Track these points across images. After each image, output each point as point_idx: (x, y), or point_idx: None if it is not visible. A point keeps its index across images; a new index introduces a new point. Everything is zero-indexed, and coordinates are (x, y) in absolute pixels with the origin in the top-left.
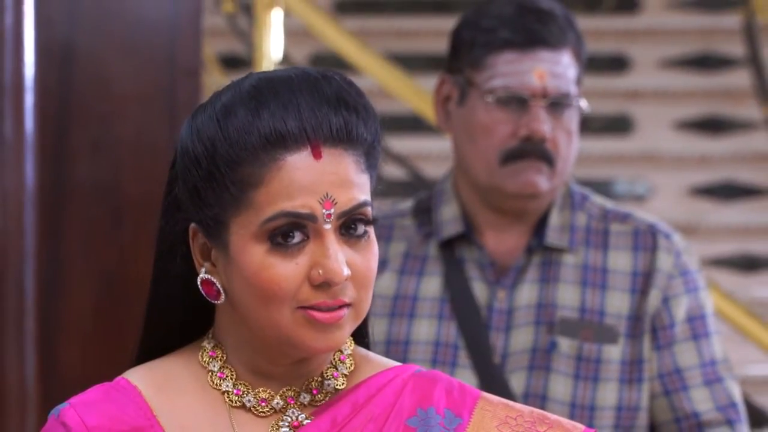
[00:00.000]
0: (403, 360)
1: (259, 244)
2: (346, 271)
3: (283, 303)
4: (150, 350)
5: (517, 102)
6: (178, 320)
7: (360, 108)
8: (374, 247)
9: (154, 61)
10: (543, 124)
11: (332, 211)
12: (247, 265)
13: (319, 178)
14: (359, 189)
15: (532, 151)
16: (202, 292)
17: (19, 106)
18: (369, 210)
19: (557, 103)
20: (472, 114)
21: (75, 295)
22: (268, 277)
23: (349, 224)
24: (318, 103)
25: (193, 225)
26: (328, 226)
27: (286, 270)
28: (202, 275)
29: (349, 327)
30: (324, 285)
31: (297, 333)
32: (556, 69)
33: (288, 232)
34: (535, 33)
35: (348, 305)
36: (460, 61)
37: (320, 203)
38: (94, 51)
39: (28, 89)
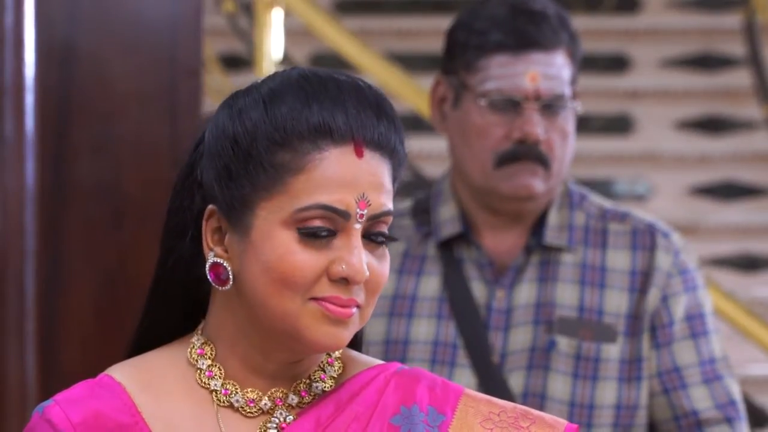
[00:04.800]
0: (402, 360)
1: (286, 230)
2: (367, 273)
3: (297, 292)
4: (147, 338)
5: (511, 105)
6: (177, 307)
7: (396, 122)
8: (388, 257)
9: (154, 61)
10: (536, 126)
11: (365, 212)
12: (271, 250)
13: (359, 177)
14: (388, 196)
15: (527, 153)
16: (209, 276)
17: (19, 105)
18: (391, 220)
19: (551, 105)
20: (467, 116)
21: (75, 295)
22: (291, 264)
23: (372, 231)
24: (363, 106)
25: (211, 206)
26: (358, 226)
27: (310, 260)
28: (213, 259)
29: (354, 329)
30: (342, 281)
31: (308, 325)
32: (550, 71)
33: (319, 224)
34: (527, 35)
35: (358, 307)
36: (454, 63)
37: (356, 202)
38: (95, 51)
39: (28, 89)
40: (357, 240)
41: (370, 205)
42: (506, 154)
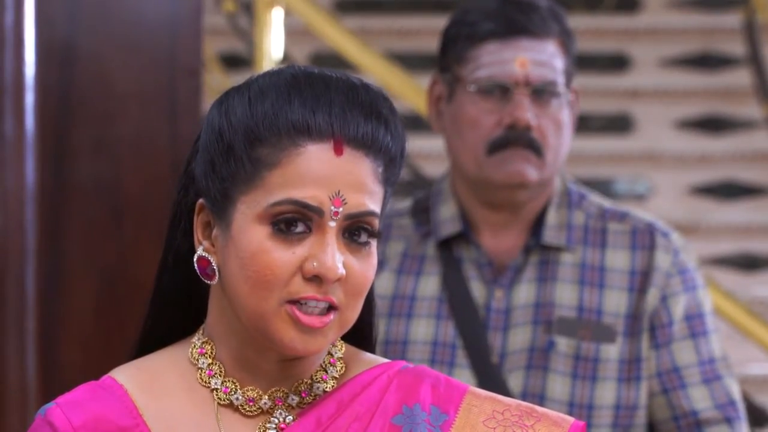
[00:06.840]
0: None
1: (261, 226)
2: (341, 271)
3: (272, 291)
4: (152, 338)
5: (501, 91)
6: (180, 305)
7: (390, 122)
8: (373, 259)
9: (154, 61)
10: (526, 111)
11: (341, 209)
12: (246, 245)
13: (335, 174)
14: (371, 197)
15: (518, 139)
16: (197, 269)
17: (19, 105)
18: (376, 221)
19: (542, 91)
20: (460, 108)
21: (75, 294)
22: (264, 261)
23: (354, 230)
24: (350, 105)
25: (201, 200)
26: (332, 224)
27: (283, 257)
28: (200, 252)
29: (334, 333)
30: (315, 279)
31: (278, 329)
32: (540, 57)
33: (292, 220)
34: (516, 22)
35: (335, 308)
36: (447, 59)
37: (330, 199)
38: (95, 50)
39: (28, 88)
40: (331, 238)
41: (346, 203)
42: (497, 140)
